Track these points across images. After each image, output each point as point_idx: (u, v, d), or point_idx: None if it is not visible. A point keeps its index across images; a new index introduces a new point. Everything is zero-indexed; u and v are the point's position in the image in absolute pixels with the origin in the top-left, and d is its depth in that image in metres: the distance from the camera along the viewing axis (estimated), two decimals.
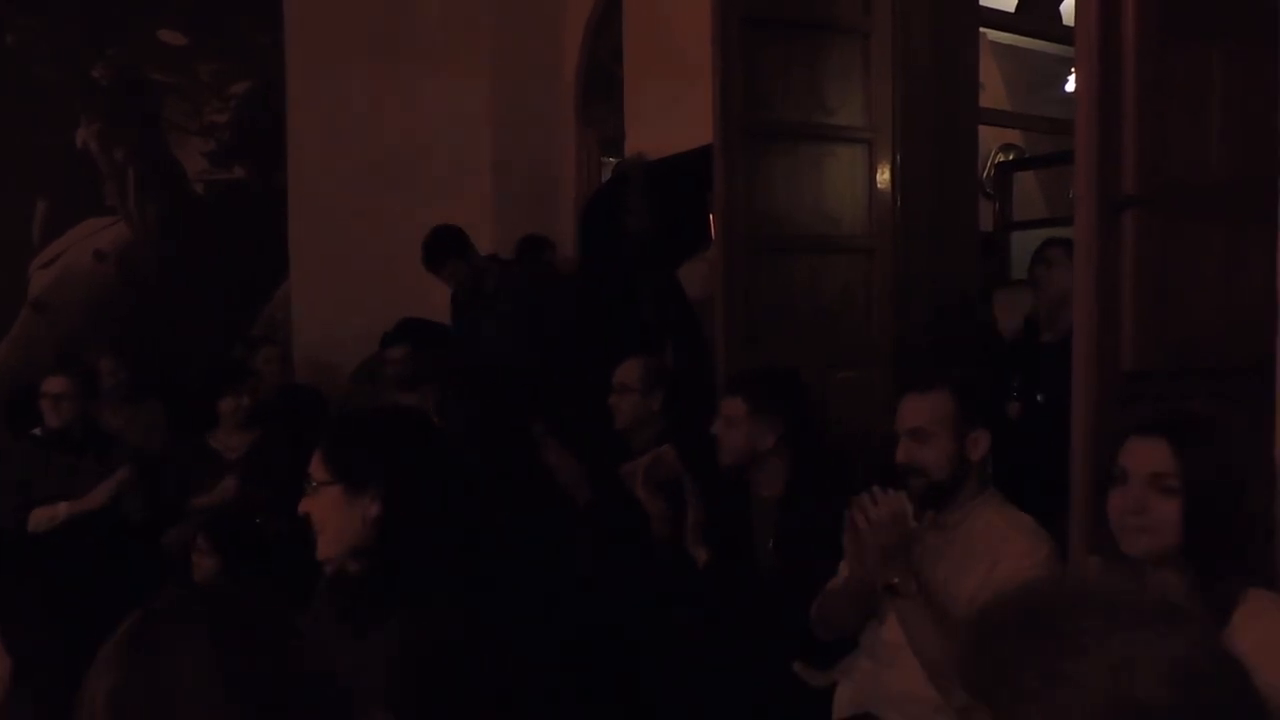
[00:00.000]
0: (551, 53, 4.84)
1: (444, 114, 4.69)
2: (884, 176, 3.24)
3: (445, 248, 3.77)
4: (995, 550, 1.76)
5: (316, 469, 1.48)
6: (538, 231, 4.52)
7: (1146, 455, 1.40)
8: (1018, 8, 5.17)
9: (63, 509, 3.02)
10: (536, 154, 4.84)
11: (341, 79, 4.61)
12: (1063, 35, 4.89)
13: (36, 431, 3.22)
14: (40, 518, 3.02)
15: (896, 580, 1.70)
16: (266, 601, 0.92)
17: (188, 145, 4.62)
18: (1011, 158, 5.33)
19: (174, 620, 0.87)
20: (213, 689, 0.82)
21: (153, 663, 0.83)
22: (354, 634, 1.39)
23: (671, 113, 3.81)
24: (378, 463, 1.46)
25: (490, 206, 4.74)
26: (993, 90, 5.16)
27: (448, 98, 4.68)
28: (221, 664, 0.83)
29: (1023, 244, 4.36)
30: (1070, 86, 5.20)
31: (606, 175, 4.75)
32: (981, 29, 4.02)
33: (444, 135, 4.68)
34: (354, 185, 4.61)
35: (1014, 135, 5.49)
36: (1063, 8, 5.18)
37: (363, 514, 1.44)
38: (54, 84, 4.41)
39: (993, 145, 5.26)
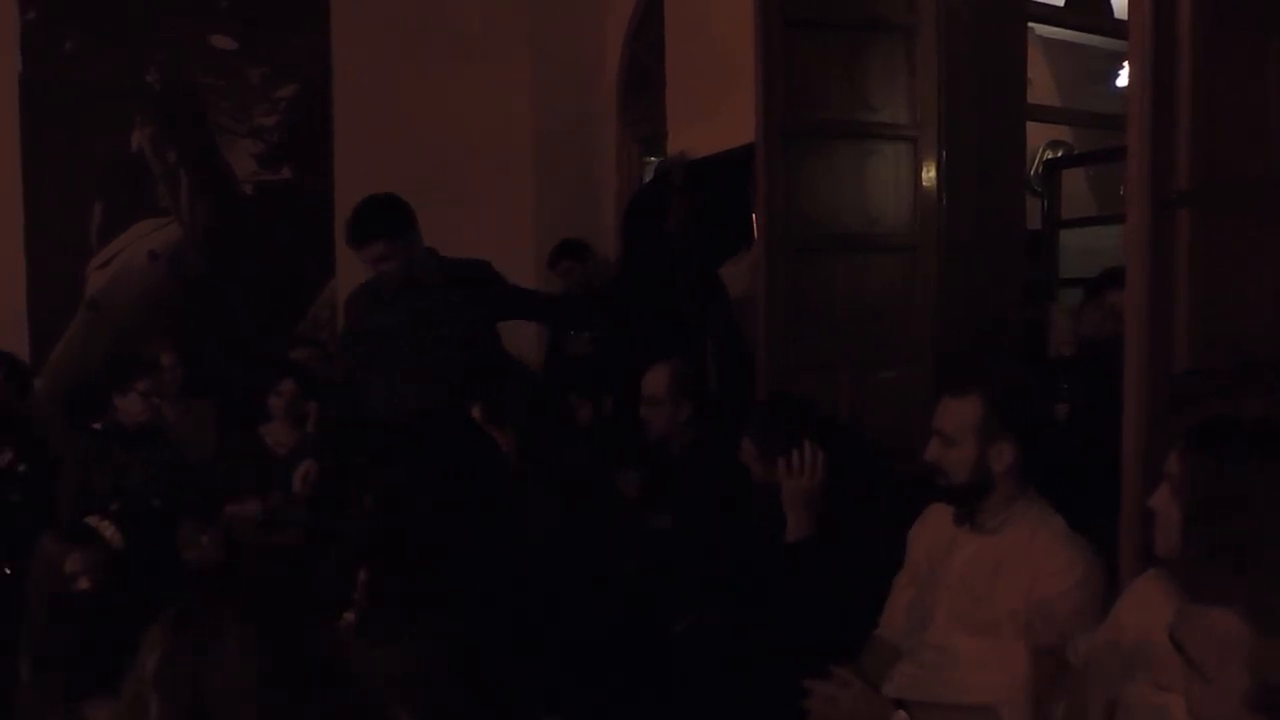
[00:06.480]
0: (593, 53, 4.85)
1: (486, 115, 4.73)
2: (929, 174, 3.20)
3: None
4: (1034, 564, 1.75)
5: None
6: (579, 232, 4.55)
7: None
8: (1067, 2, 5.08)
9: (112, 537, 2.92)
10: (578, 154, 4.86)
11: (386, 82, 4.67)
12: (1113, 29, 4.79)
13: (97, 426, 3.31)
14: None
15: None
16: (305, 594, 0.96)
17: (237, 147, 4.71)
18: (1060, 155, 5.23)
19: (216, 604, 0.92)
20: (248, 671, 0.87)
21: (195, 641, 0.89)
22: (383, 638, 1.40)
23: (714, 112, 3.81)
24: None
25: (532, 207, 4.77)
26: (1041, 86, 5.08)
27: (490, 99, 4.73)
28: (257, 649, 0.88)
29: (1072, 242, 4.29)
30: (1121, 81, 5.09)
31: (648, 176, 4.75)
32: (1029, 24, 3.95)
33: (486, 136, 4.72)
34: (398, 186, 4.63)
35: (1063, 132, 5.39)
36: (1114, 0, 5.07)
37: None
38: (110, 89, 4.52)
39: (1041, 142, 5.17)
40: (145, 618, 0.97)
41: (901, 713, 1.71)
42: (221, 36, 4.65)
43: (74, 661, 1.97)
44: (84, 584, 2.06)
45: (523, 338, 4.57)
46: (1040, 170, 4.85)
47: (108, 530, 2.84)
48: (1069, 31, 5.13)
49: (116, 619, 1.95)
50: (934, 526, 1.97)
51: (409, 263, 2.83)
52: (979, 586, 1.80)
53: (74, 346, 4.50)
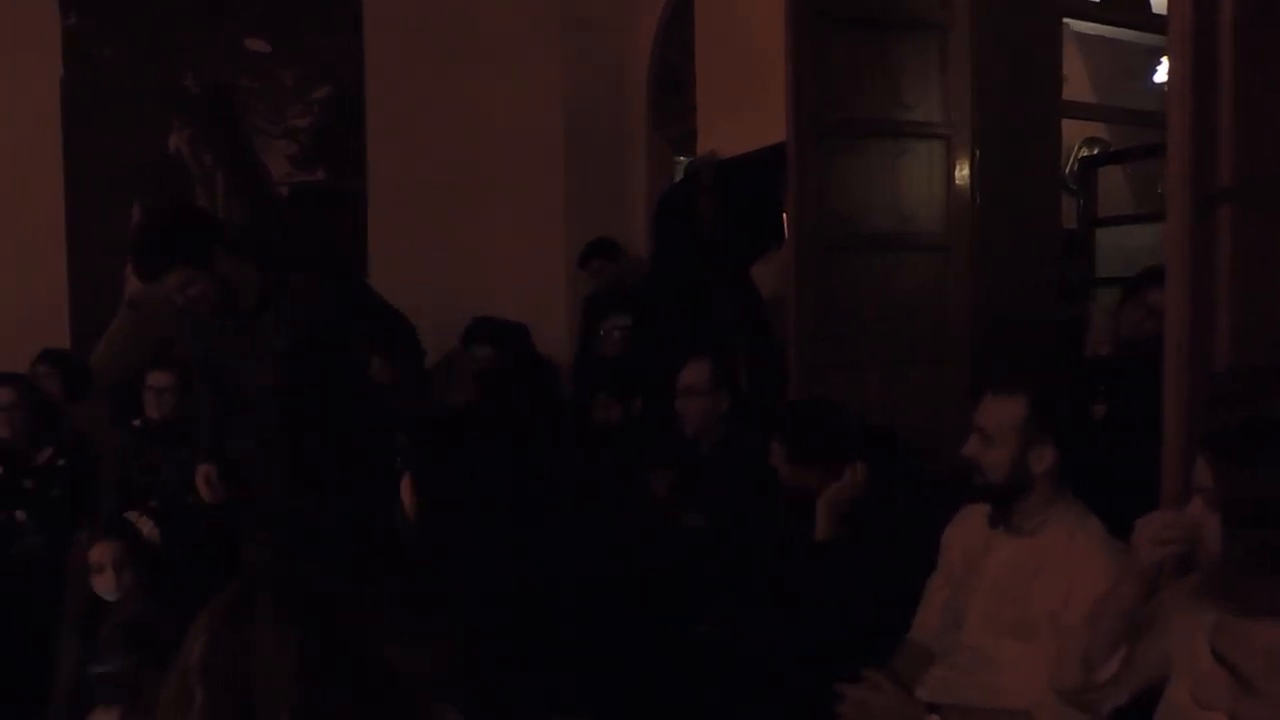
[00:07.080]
0: (623, 53, 4.86)
1: (517, 115, 4.75)
2: (963, 173, 3.17)
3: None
4: (1073, 567, 1.73)
5: None
6: (610, 231, 4.55)
7: None
8: None
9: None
10: (609, 154, 4.87)
11: (418, 83, 4.71)
12: (1150, 24, 4.70)
13: (136, 423, 3.36)
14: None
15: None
16: (341, 586, 0.98)
17: (271, 149, 4.76)
18: (1096, 152, 5.16)
19: (258, 597, 0.93)
20: (289, 664, 0.87)
21: (237, 633, 0.90)
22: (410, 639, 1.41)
23: (743, 110, 3.79)
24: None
25: (562, 207, 4.78)
26: (1076, 83, 5.00)
27: (521, 100, 4.75)
28: (298, 643, 0.89)
29: (1108, 241, 4.23)
30: (1159, 77, 5.00)
31: (678, 175, 4.75)
32: (1064, 19, 3.90)
33: (517, 136, 4.75)
34: (431, 187, 4.71)
35: (1099, 129, 5.32)
36: None
37: None
38: (148, 92, 4.60)
39: (1076, 139, 5.10)
40: (184, 610, 0.99)
41: (934, 716, 1.69)
42: (256, 39, 4.71)
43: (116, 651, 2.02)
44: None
45: (551, 339, 4.59)
46: (1076, 168, 4.78)
47: (145, 526, 2.90)
48: (1105, 27, 5.05)
49: (157, 610, 2.00)
50: (969, 528, 1.95)
51: (221, 286, 2.42)
52: (1015, 589, 1.78)
53: (114, 345, 4.58)
